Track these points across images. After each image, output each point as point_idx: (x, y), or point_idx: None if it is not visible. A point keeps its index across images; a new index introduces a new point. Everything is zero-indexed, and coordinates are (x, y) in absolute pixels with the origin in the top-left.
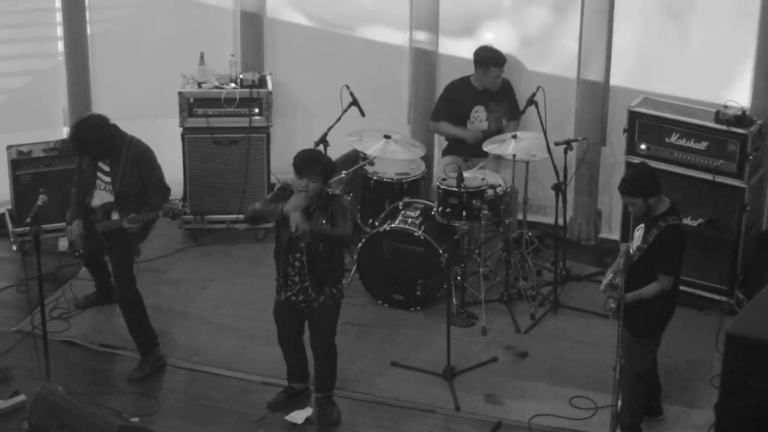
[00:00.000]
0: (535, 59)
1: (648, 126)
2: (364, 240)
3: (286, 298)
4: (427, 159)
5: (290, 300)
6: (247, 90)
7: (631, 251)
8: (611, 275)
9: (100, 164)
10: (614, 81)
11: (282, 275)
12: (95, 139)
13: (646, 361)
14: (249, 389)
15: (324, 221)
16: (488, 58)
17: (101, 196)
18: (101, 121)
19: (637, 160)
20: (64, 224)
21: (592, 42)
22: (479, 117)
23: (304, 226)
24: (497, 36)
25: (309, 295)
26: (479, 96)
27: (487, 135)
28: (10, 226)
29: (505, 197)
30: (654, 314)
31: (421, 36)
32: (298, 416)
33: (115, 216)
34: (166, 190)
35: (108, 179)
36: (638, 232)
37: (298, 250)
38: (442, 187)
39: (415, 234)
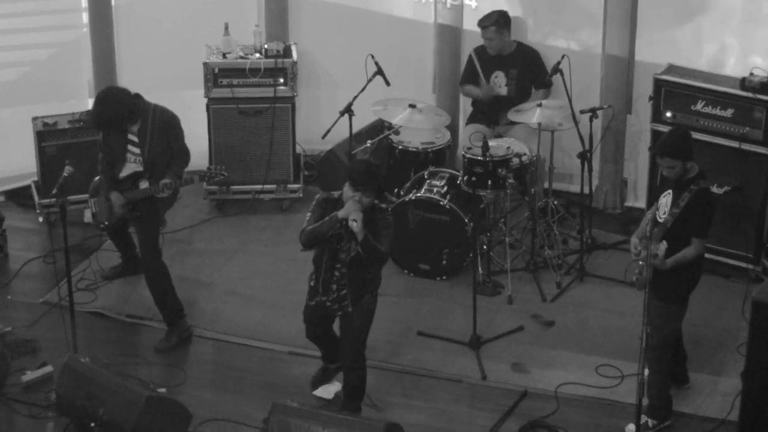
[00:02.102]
0: (561, 29)
1: (674, 94)
2: (389, 209)
3: (319, 303)
4: (453, 128)
5: (324, 305)
6: (271, 60)
7: (658, 218)
8: (637, 242)
9: (130, 137)
10: (639, 52)
11: (322, 283)
12: (123, 115)
13: (674, 327)
14: (276, 359)
15: (366, 233)
16: (478, 20)
17: (130, 168)
18: (125, 96)
19: (663, 128)
20: (88, 196)
21: (616, 10)
22: (498, 82)
23: (361, 232)
24: (520, 7)
25: (345, 304)
26: (495, 62)
27: (507, 101)
28: (36, 197)
29: (531, 166)
30: (682, 279)
31: (446, 12)
32: (327, 391)
33: (143, 185)
34: (187, 153)
35: (138, 151)
36: (664, 199)
37: (340, 261)
38: (468, 156)
39: (441, 203)
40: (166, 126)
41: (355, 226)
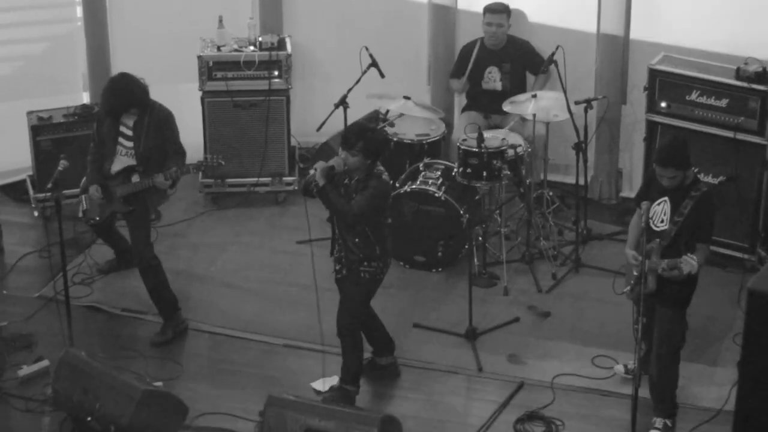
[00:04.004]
0: (554, 14)
1: (668, 84)
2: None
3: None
4: (447, 120)
5: (334, 268)
6: (266, 53)
7: (654, 227)
8: (635, 254)
9: (122, 129)
10: (634, 35)
11: (332, 241)
12: (135, 102)
13: (683, 330)
14: (271, 352)
15: (355, 195)
16: (486, 6)
17: (122, 162)
18: (139, 85)
19: (658, 118)
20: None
21: None
22: (493, 77)
23: (320, 179)
24: None
25: (342, 266)
26: (492, 56)
27: (503, 95)
28: (31, 191)
29: (526, 157)
30: (690, 282)
31: None
32: (323, 384)
33: (135, 179)
34: (183, 155)
35: (130, 144)
36: (659, 207)
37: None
38: (463, 147)
39: (436, 195)
40: (162, 123)
41: (315, 174)
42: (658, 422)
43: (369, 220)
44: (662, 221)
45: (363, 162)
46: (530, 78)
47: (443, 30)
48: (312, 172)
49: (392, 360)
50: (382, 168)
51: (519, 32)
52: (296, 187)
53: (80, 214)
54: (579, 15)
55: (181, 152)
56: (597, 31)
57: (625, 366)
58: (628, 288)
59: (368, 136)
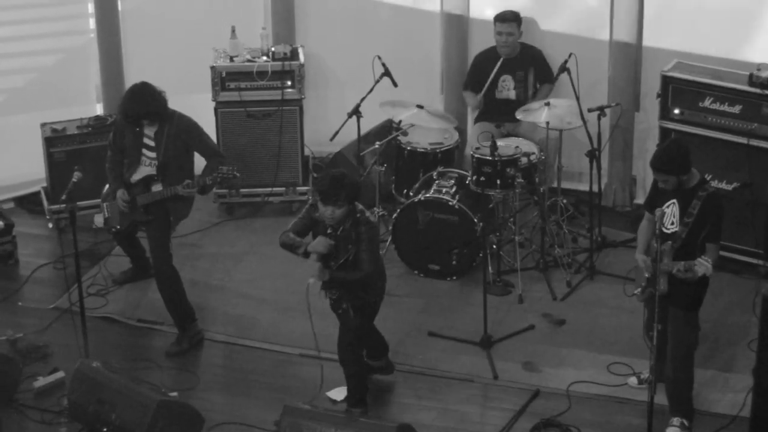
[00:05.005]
0: (566, 22)
1: (681, 90)
2: (399, 210)
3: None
4: (461, 128)
5: (330, 298)
6: (279, 63)
7: (665, 229)
8: (647, 258)
9: (145, 140)
10: (647, 42)
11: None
12: (153, 111)
13: (696, 332)
14: (287, 362)
15: (350, 246)
16: (496, 15)
17: (144, 172)
18: (158, 95)
19: (671, 125)
20: (99, 201)
21: (623, 2)
22: (507, 86)
23: (324, 277)
24: (527, 3)
25: (340, 303)
26: (505, 65)
27: (516, 104)
28: (45, 203)
29: (539, 165)
30: (702, 283)
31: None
32: (339, 393)
33: (156, 188)
34: (220, 154)
35: (153, 155)
36: (669, 209)
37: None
38: (476, 155)
39: (450, 203)
40: (184, 132)
41: (311, 282)
42: (676, 420)
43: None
44: (672, 223)
45: (348, 209)
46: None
47: (456, 39)
48: (288, 236)
49: (384, 362)
50: (361, 207)
51: (531, 41)
52: (309, 197)
53: (100, 222)
54: (591, 22)
55: (217, 154)
56: (610, 38)
57: (638, 377)
58: (639, 290)
59: (346, 183)
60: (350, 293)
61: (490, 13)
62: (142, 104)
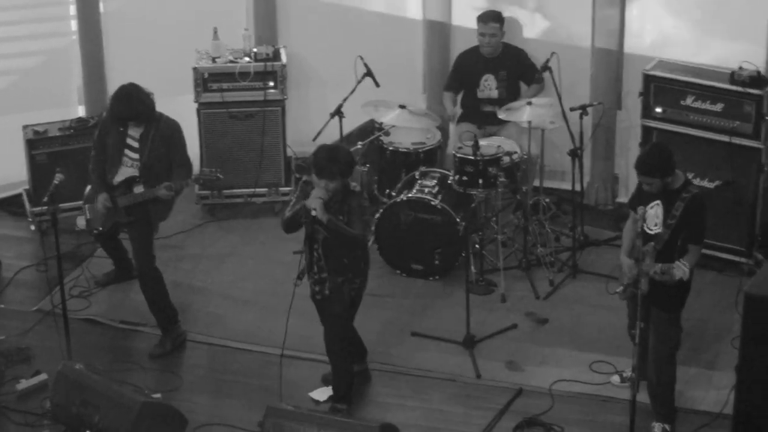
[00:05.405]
0: (548, 26)
1: (663, 89)
2: (381, 210)
3: (311, 288)
4: (443, 127)
5: (313, 289)
6: (261, 63)
7: (647, 230)
8: (631, 262)
9: (129, 141)
10: (628, 47)
11: (308, 264)
12: (142, 113)
13: (679, 333)
14: (269, 362)
15: (341, 217)
16: (479, 15)
17: (126, 173)
18: (147, 96)
19: (653, 123)
20: (81, 203)
21: (605, 8)
22: (489, 86)
23: (323, 216)
24: (510, 3)
25: (324, 287)
26: (488, 64)
27: (499, 103)
28: (27, 205)
29: (522, 164)
30: (684, 285)
31: (434, 6)
32: (321, 394)
33: (137, 189)
34: (189, 167)
35: (136, 156)
36: (652, 210)
37: (317, 241)
38: (459, 155)
39: (433, 203)
40: (168, 135)
41: (316, 213)
42: (657, 427)
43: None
44: (655, 224)
45: (341, 183)
46: (523, 87)
47: (438, 45)
48: (288, 212)
49: (364, 366)
50: (355, 183)
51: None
52: (293, 198)
53: (82, 224)
54: (573, 30)
55: (186, 164)
56: (591, 45)
57: (621, 375)
58: (621, 288)
59: (340, 158)
60: (336, 272)
61: (472, 20)
62: (131, 106)
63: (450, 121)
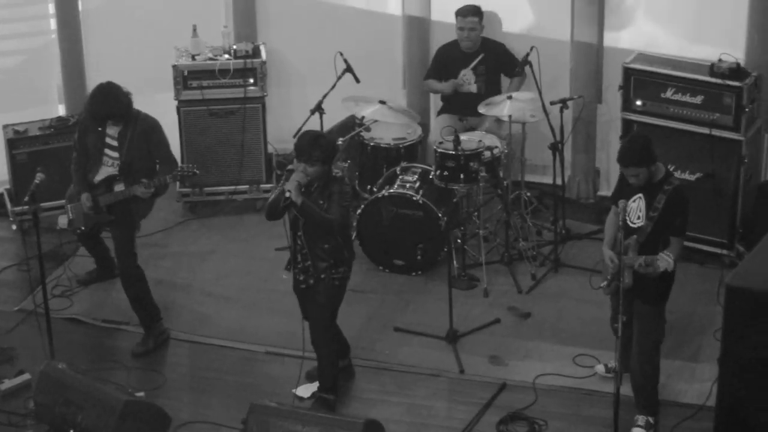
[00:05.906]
0: (528, 20)
1: (643, 82)
2: (362, 206)
3: (296, 279)
4: (423, 122)
5: (297, 279)
6: (241, 60)
7: (630, 223)
8: (613, 254)
9: (108, 140)
10: (608, 41)
11: (292, 253)
12: (119, 112)
13: (663, 325)
14: (253, 359)
15: (321, 202)
16: (457, 10)
17: (106, 172)
18: (124, 95)
19: (633, 116)
20: (63, 201)
21: (584, 1)
22: (467, 80)
23: (297, 198)
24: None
25: (309, 276)
26: (467, 58)
27: (479, 97)
28: (9, 205)
29: (503, 158)
30: (667, 277)
31: (413, 1)
32: (306, 390)
33: (118, 187)
34: (174, 164)
35: (115, 155)
36: (635, 203)
37: (300, 228)
38: (439, 150)
39: (414, 198)
40: (148, 133)
41: (290, 194)
42: (641, 419)
43: (339, 224)
44: (638, 218)
45: (322, 169)
46: (505, 80)
47: (418, 40)
48: (272, 196)
49: (347, 362)
50: (338, 170)
51: (493, 38)
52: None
53: (64, 223)
54: (552, 24)
55: (170, 161)
56: (571, 39)
57: (606, 365)
58: (605, 283)
59: (322, 143)
60: (319, 258)
61: (451, 15)
62: (107, 105)
63: (448, 91)
